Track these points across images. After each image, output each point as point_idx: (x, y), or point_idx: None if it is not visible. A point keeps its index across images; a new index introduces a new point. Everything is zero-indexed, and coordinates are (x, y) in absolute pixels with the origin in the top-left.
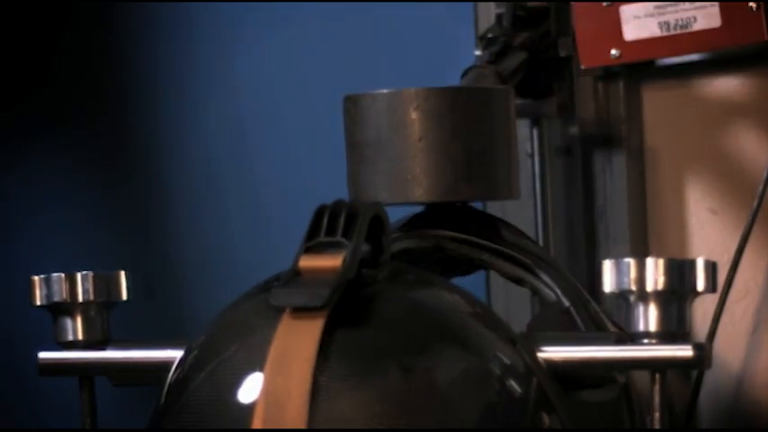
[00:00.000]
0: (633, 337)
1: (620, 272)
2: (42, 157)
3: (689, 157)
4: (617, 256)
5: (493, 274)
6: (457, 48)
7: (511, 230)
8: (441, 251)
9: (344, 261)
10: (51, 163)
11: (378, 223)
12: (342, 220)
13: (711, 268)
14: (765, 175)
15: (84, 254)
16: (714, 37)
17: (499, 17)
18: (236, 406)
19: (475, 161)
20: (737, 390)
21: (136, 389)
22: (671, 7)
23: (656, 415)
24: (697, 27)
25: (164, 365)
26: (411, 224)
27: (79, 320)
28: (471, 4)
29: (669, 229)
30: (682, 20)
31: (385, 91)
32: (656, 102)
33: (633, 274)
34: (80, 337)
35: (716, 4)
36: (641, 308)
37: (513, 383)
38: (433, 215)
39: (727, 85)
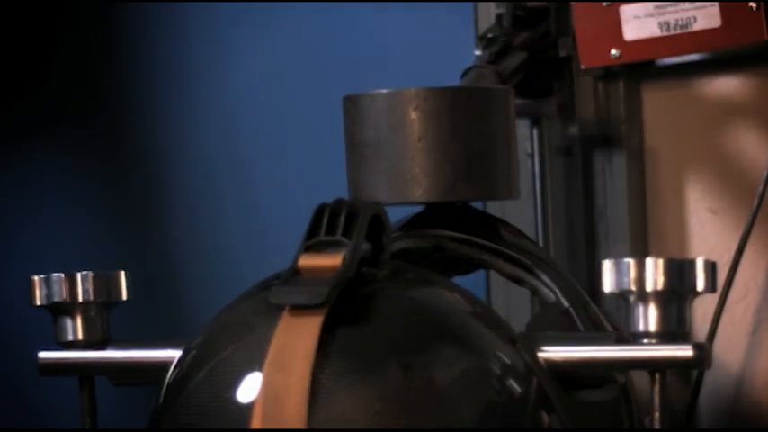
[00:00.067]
0: (633, 337)
1: (619, 272)
2: (41, 156)
3: (689, 157)
4: (617, 256)
5: (493, 273)
6: (457, 48)
7: (510, 231)
8: (440, 251)
9: (344, 260)
10: (50, 163)
11: (378, 222)
12: (342, 218)
13: (711, 268)
14: (765, 174)
15: (84, 254)
16: (714, 37)
17: (499, 17)
18: (235, 404)
19: (474, 161)
20: (737, 390)
21: (136, 389)
22: (671, 7)
23: (656, 415)
24: (697, 27)
25: (163, 365)
26: (411, 224)
27: (79, 320)
28: (471, 4)
29: (669, 229)
30: (682, 20)
31: (384, 91)
32: (656, 102)
33: (633, 274)
34: (80, 336)
35: (716, 4)
36: (641, 308)
37: (512, 383)
38: (432, 215)
39: (727, 85)
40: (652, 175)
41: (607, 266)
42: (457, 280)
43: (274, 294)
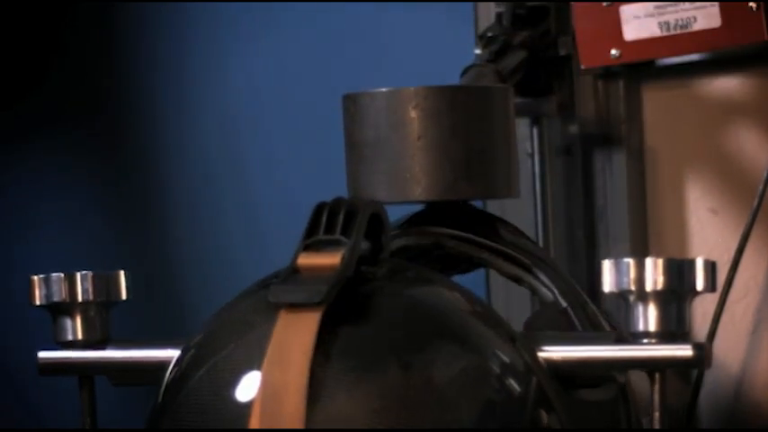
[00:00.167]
0: (633, 337)
1: (619, 272)
2: (41, 156)
3: (689, 156)
4: (617, 256)
5: (493, 272)
6: (457, 47)
7: (510, 229)
8: (440, 248)
9: (343, 258)
10: (50, 163)
11: (377, 221)
12: (341, 217)
13: (711, 268)
14: (765, 174)
15: (84, 254)
16: (714, 37)
17: (499, 16)
18: (234, 402)
19: (474, 160)
20: (737, 390)
21: (135, 388)
22: (671, 7)
23: (656, 415)
24: (697, 27)
25: (163, 365)
26: (410, 223)
27: (79, 320)
28: (471, 3)
29: (669, 228)
30: (682, 20)
31: (384, 90)
32: (656, 102)
33: (632, 273)
34: (79, 336)
35: (716, 4)
36: (641, 308)
37: (512, 382)
38: (432, 214)
39: (727, 85)
40: (652, 174)
41: (607, 266)
42: (457, 279)
43: (273, 293)
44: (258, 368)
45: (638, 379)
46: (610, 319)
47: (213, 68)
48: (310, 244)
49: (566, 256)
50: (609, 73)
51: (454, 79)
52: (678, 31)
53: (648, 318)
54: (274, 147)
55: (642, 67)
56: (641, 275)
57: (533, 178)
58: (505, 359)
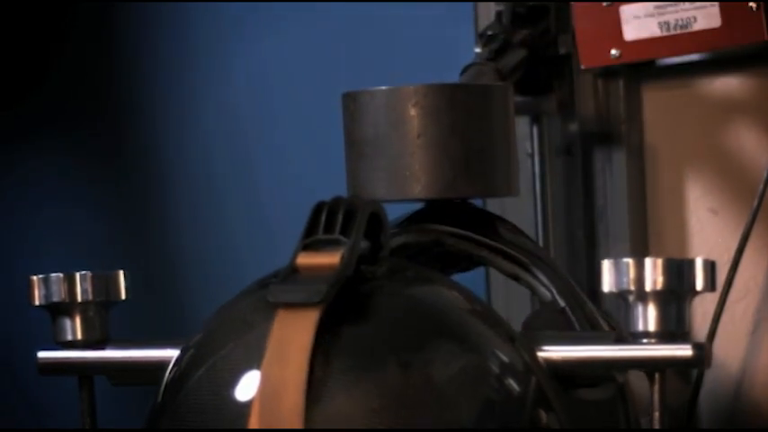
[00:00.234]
0: (632, 337)
1: (618, 272)
2: (42, 156)
3: (689, 156)
4: (617, 256)
5: (493, 272)
6: (456, 46)
7: (509, 228)
8: (440, 246)
9: (342, 258)
10: (50, 163)
11: (376, 220)
12: (340, 217)
13: (710, 267)
14: (766, 174)
15: (84, 253)
16: (714, 37)
17: (499, 14)
18: (234, 401)
19: (474, 158)
20: (737, 390)
21: (135, 388)
22: (671, 7)
23: (656, 414)
24: (697, 27)
25: (163, 365)
26: (410, 221)
27: (78, 320)
28: (471, 2)
29: (669, 228)
30: (682, 20)
31: (384, 88)
32: (656, 101)
33: (632, 273)
34: (79, 336)
35: (716, 4)
36: (640, 308)
37: (511, 381)
38: (431, 212)
39: (727, 85)
40: (652, 174)
41: (606, 266)
42: (457, 277)
43: (272, 293)
44: (257, 367)
45: (637, 379)
46: (609, 319)
47: (215, 68)
48: (309, 243)
49: (566, 255)
50: (609, 71)
51: (454, 77)
52: (678, 31)
53: (648, 318)
54: (276, 146)
55: (642, 67)
56: (641, 275)
57: (533, 178)
58: (505, 359)
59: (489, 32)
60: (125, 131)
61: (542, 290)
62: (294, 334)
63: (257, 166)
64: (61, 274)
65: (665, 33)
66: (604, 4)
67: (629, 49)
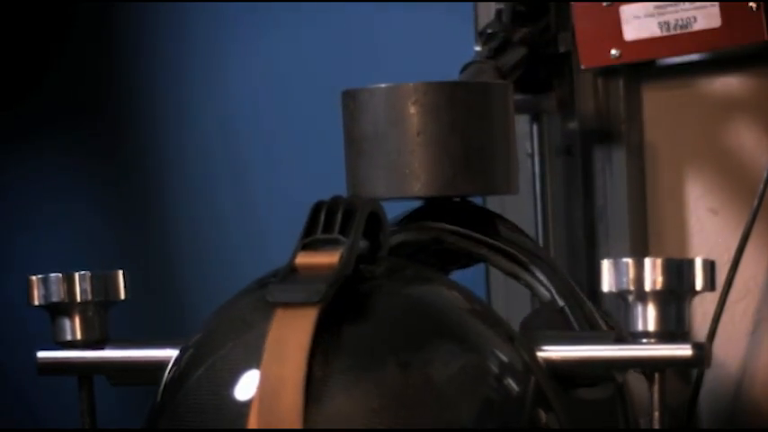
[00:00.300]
0: (632, 337)
1: (618, 272)
2: (41, 156)
3: (689, 156)
4: (617, 256)
5: (493, 271)
6: (456, 44)
7: (509, 227)
8: (439, 244)
9: (341, 257)
10: (50, 162)
11: (375, 219)
12: (339, 216)
13: (710, 267)
14: (766, 174)
15: (84, 254)
16: (714, 37)
17: (499, 12)
18: (233, 399)
19: (473, 156)
20: (737, 390)
21: (135, 388)
22: (671, 7)
23: (656, 414)
24: (697, 27)
25: (162, 364)
26: (409, 219)
27: (77, 320)
28: (471, 0)
29: (669, 228)
30: (682, 20)
31: (383, 85)
32: (656, 101)
33: (631, 273)
34: (78, 336)
35: (716, 4)
36: (640, 308)
37: (510, 381)
38: (431, 210)
39: (727, 85)
40: (652, 174)
41: (606, 266)
42: (457, 276)
43: (271, 293)
44: (256, 366)
45: (634, 380)
46: (608, 319)
47: (213, 69)
48: (308, 243)
49: (566, 256)
50: (609, 70)
51: (454, 76)
52: (678, 31)
53: (648, 317)
54: (274, 147)
55: (642, 67)
56: (640, 275)
57: (533, 178)
58: (504, 358)
59: (489, 31)
60: (125, 131)
61: (541, 289)
62: (292, 333)
63: (255, 166)
64: (60, 275)
65: (665, 33)
66: (604, 4)
67: (629, 49)
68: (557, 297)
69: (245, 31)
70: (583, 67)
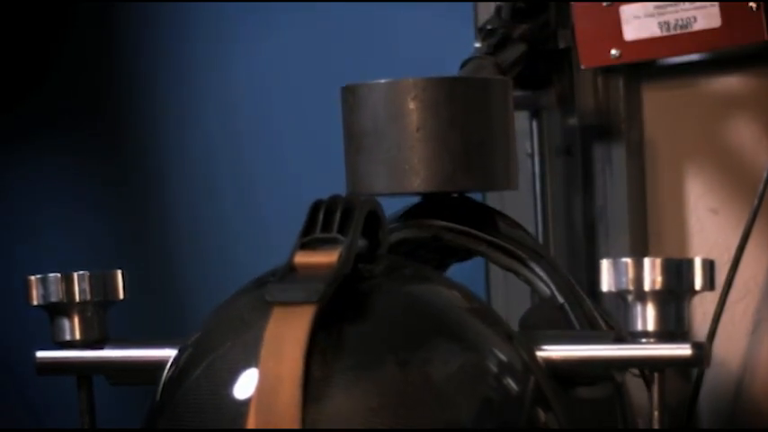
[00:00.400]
0: (631, 337)
1: (617, 271)
2: (41, 156)
3: (689, 156)
4: (617, 256)
5: (493, 269)
6: (456, 40)
7: (508, 223)
8: (438, 241)
9: (340, 256)
10: (50, 163)
11: (374, 218)
12: (338, 215)
13: (709, 267)
14: (766, 174)
15: (84, 254)
16: (714, 37)
17: (498, 9)
18: (232, 398)
19: (473, 151)
20: (737, 389)
21: (134, 388)
22: (671, 7)
23: (656, 414)
24: (697, 27)
25: (161, 364)
26: (408, 215)
27: (76, 320)
28: None
29: (669, 228)
30: (682, 20)
31: (383, 81)
32: (655, 101)
33: (631, 273)
34: (77, 336)
35: (716, 4)
36: (639, 307)
37: (509, 380)
38: (430, 206)
39: (727, 85)
40: (652, 174)
41: (605, 266)
42: (457, 273)
43: (270, 292)
44: (255, 365)
45: (633, 379)
46: (607, 317)
47: (214, 67)
48: (307, 242)
49: (566, 255)
50: (609, 68)
51: (454, 72)
52: (678, 31)
53: (647, 317)
54: (276, 146)
55: (642, 67)
56: (639, 275)
57: (533, 178)
58: (503, 357)
59: (489, 27)
60: (125, 131)
61: (541, 286)
62: (289, 330)
63: (256, 165)
64: (59, 274)
65: (665, 33)
66: (604, 4)
67: (629, 49)
68: (556, 294)
69: (246, 29)
70: (583, 67)
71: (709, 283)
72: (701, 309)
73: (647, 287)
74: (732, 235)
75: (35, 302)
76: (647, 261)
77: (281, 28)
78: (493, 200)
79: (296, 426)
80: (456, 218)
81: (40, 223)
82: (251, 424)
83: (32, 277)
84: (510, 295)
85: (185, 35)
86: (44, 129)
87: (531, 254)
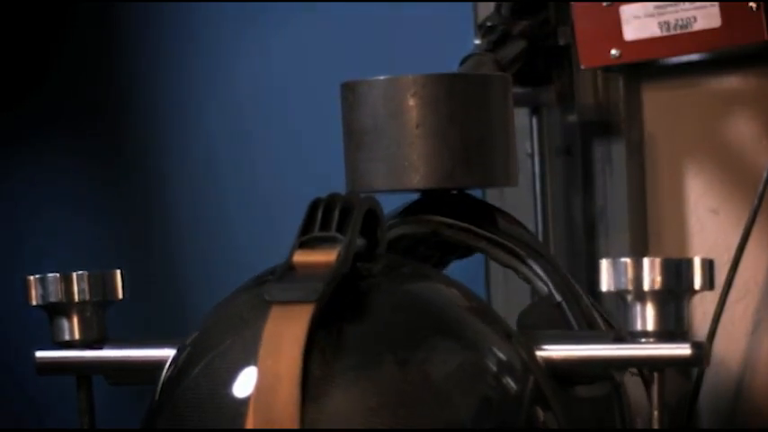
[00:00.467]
0: (631, 337)
1: (617, 271)
2: (42, 156)
3: (689, 156)
4: (617, 256)
5: (493, 267)
6: (456, 37)
7: (507, 219)
8: (437, 237)
9: (339, 256)
10: (50, 163)
11: (373, 217)
12: (336, 214)
13: (708, 266)
14: (766, 174)
15: (85, 253)
16: (714, 37)
17: (498, 5)
18: (231, 396)
19: (472, 148)
20: (737, 389)
21: (133, 387)
22: (671, 7)
23: (655, 414)
24: (697, 27)
25: (160, 364)
26: (408, 211)
27: (75, 320)
28: None
29: (669, 228)
30: (682, 20)
31: (382, 78)
32: (656, 100)
33: (630, 273)
34: (77, 336)
35: (716, 4)
36: (638, 307)
37: (508, 379)
38: (430, 202)
39: (727, 85)
40: (652, 174)
41: (605, 266)
42: (456, 271)
43: (269, 291)
44: (254, 363)
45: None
46: (606, 316)
47: (215, 67)
48: (306, 241)
49: (566, 255)
50: (609, 68)
51: (453, 69)
52: (678, 31)
53: (646, 317)
54: (278, 146)
55: (642, 67)
56: (639, 275)
57: (533, 178)
58: (502, 356)
59: (489, 24)
60: (125, 131)
61: (539, 283)
62: (288, 329)
63: (258, 165)
64: (58, 274)
65: (665, 33)
66: (604, 4)
67: (629, 49)
68: (554, 292)
69: (247, 29)
70: (583, 67)
71: (709, 282)
72: (701, 309)
73: (646, 287)
74: (732, 235)
75: (34, 302)
76: (646, 261)
77: (283, 26)
78: (493, 200)
79: (295, 424)
80: (455, 214)
81: (40, 223)
82: (250, 422)
83: (31, 277)
84: (510, 294)
85: (186, 35)
86: (44, 129)
87: (529, 251)
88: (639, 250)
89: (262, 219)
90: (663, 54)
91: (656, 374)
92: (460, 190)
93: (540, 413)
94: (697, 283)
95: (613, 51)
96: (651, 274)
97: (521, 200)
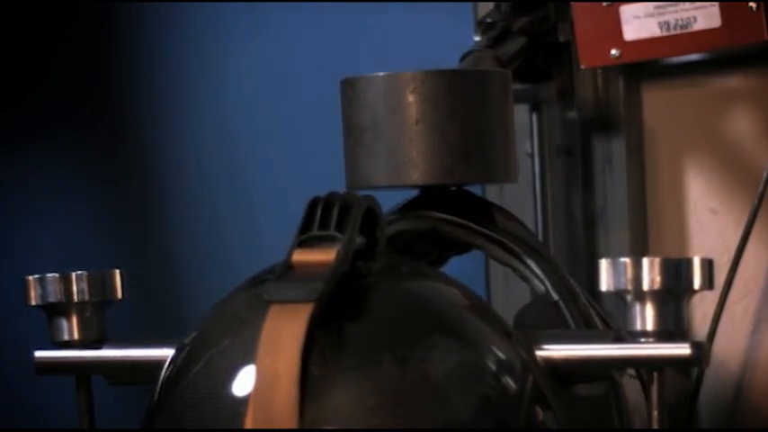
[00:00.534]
0: (631, 336)
1: (616, 271)
2: (41, 156)
3: (689, 156)
4: (616, 256)
5: (493, 266)
6: (456, 33)
7: (505, 216)
8: (436, 232)
9: (338, 255)
10: (50, 163)
11: (371, 215)
12: (335, 212)
13: (708, 266)
14: (766, 174)
15: (83, 253)
16: (714, 37)
17: (498, 2)
18: (230, 395)
19: (472, 144)
20: (737, 389)
21: (133, 387)
22: (671, 7)
23: (655, 414)
24: (697, 27)
25: (159, 364)
26: (407, 208)
27: (75, 320)
28: None
29: (669, 228)
30: (682, 20)
31: (381, 74)
32: (656, 101)
33: (629, 273)
34: (76, 336)
35: (716, 4)
36: (638, 307)
37: (508, 378)
38: (429, 199)
39: (727, 85)
40: (652, 174)
41: (604, 266)
42: (456, 270)
43: (268, 291)
44: (253, 362)
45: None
46: (602, 314)
47: (213, 68)
48: (305, 240)
49: (565, 255)
50: (609, 67)
51: (453, 65)
52: (678, 31)
53: (646, 317)
54: (273, 146)
55: (642, 67)
56: (638, 275)
57: (533, 178)
58: (501, 355)
59: (488, 20)
60: (125, 131)
61: (536, 281)
62: (287, 327)
63: (256, 166)
64: (57, 275)
65: (665, 33)
66: (604, 4)
67: (629, 49)
68: (551, 290)
69: (244, 30)
70: (582, 67)
71: (708, 282)
72: (701, 309)
73: (645, 287)
74: (732, 235)
75: (33, 303)
76: (645, 261)
77: (278, 27)
78: (493, 199)
79: (294, 424)
80: (454, 210)
81: (39, 223)
82: (249, 422)
83: (30, 277)
84: (509, 293)
85: (185, 35)
86: (44, 129)
87: (527, 249)
88: (639, 250)
89: (257, 219)
90: (663, 54)
91: (655, 374)
92: (459, 186)
93: (540, 412)
94: (697, 282)
95: (613, 51)
96: (651, 273)
97: (520, 199)
